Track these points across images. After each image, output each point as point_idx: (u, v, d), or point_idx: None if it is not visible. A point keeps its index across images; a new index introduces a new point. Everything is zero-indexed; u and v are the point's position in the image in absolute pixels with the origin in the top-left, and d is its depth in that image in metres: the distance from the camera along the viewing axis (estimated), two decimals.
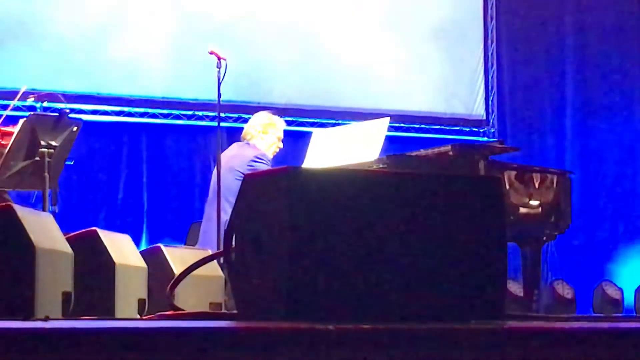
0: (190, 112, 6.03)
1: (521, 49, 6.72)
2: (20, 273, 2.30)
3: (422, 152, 3.55)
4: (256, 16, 6.13)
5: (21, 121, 3.73)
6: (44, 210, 3.53)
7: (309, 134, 4.35)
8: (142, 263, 3.14)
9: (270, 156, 4.38)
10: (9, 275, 2.29)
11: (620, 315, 5.52)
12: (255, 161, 4.27)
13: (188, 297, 3.03)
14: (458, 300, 1.98)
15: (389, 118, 3.89)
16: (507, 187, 3.45)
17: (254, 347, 1.46)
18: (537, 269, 3.60)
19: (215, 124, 4.72)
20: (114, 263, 2.85)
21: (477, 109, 6.57)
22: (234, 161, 4.34)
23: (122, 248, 3.04)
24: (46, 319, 1.99)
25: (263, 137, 4.40)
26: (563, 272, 6.33)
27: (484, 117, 6.59)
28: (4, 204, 2.59)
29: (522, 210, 3.49)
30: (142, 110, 5.96)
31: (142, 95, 5.93)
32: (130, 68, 5.85)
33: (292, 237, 1.90)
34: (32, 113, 4.11)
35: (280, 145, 4.46)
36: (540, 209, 3.54)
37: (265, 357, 1.46)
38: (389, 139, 3.88)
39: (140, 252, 3.28)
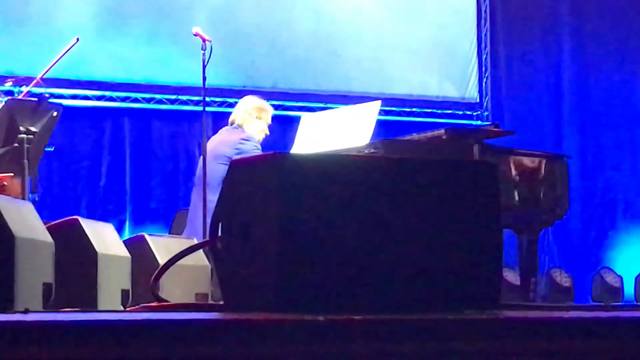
0: (173, 97, 5.94)
1: (516, 29, 6.64)
2: None
3: (415, 136, 3.50)
4: None
5: None
6: (23, 198, 3.45)
7: (297, 118, 4.29)
8: (125, 253, 3.09)
9: (259, 141, 4.32)
10: None
11: (620, 304, 5.53)
12: (243, 142, 4.21)
13: (173, 288, 2.99)
14: (452, 290, 1.94)
15: (380, 102, 3.84)
16: (502, 171, 3.40)
17: (241, 339, 1.43)
18: (534, 257, 3.56)
19: (199, 108, 4.65)
20: (96, 253, 2.81)
21: (470, 92, 6.52)
22: (221, 147, 4.27)
23: (104, 237, 2.99)
24: (26, 311, 1.96)
25: (256, 122, 4.34)
26: (561, 260, 6.33)
27: (477, 100, 6.54)
28: None
29: (518, 195, 3.45)
30: (123, 94, 5.86)
31: (123, 79, 5.83)
32: (110, 51, 5.74)
33: (281, 225, 1.85)
34: (10, 98, 4.02)
35: (268, 132, 4.41)
36: (536, 194, 3.50)
37: (253, 350, 1.43)
38: (380, 124, 3.82)
39: (124, 242, 3.24)
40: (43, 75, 4.10)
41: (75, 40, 4.02)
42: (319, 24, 6.20)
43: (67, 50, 4.05)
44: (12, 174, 3.46)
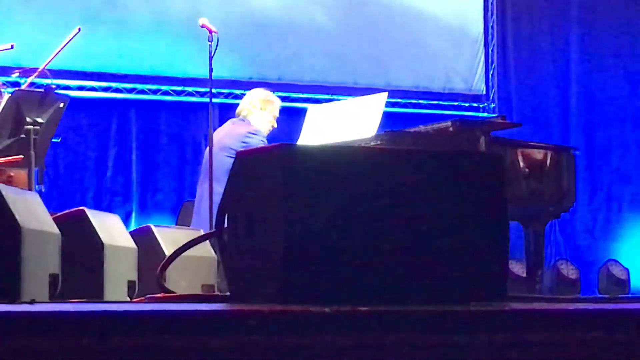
0: (180, 88, 5.94)
1: (523, 21, 6.63)
2: (5, 254, 2.25)
3: (422, 128, 3.50)
4: None
5: (6, 97, 3.65)
6: (29, 189, 3.46)
7: (303, 110, 4.28)
8: (131, 244, 3.09)
9: (265, 134, 4.33)
10: None
11: (626, 296, 5.51)
12: (249, 136, 4.21)
13: (179, 279, 3.00)
14: (458, 281, 1.95)
15: (386, 93, 3.83)
16: (509, 164, 3.39)
17: (247, 330, 1.43)
18: (540, 249, 3.56)
19: (206, 99, 4.65)
20: (102, 244, 2.81)
21: (477, 84, 6.51)
22: (227, 139, 4.28)
23: (111, 228, 3.00)
24: (32, 302, 1.97)
25: (260, 114, 4.34)
26: (567, 252, 6.32)
27: (484, 92, 6.53)
28: None
29: (525, 187, 3.44)
30: (130, 86, 5.87)
31: (130, 71, 5.83)
32: (117, 42, 5.74)
33: (286, 217, 1.85)
34: (16, 89, 4.03)
35: (275, 124, 4.41)
36: (543, 186, 3.49)
37: (259, 341, 1.43)
38: (386, 115, 3.81)
39: (130, 233, 3.24)
40: (45, 65, 4.11)
41: (77, 31, 4.03)
42: (325, 16, 6.18)
43: (69, 41, 4.06)
44: (22, 156, 3.48)
